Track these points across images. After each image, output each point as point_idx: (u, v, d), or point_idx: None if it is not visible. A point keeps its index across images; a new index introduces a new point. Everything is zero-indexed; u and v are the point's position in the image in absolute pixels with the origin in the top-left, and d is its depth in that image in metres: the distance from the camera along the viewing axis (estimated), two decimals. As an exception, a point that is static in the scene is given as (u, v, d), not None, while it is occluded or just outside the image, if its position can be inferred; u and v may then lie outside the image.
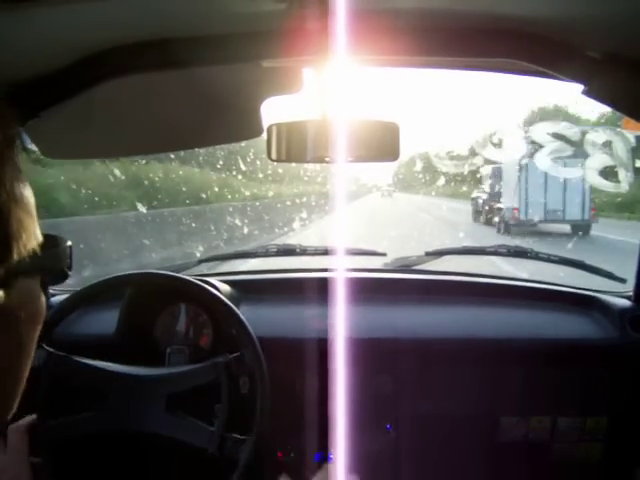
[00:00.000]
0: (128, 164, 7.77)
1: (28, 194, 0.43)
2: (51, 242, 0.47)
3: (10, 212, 0.40)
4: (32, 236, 0.42)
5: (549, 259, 1.55)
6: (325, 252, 1.55)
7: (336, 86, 0.89)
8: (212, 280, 1.30)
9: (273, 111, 1.10)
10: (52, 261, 0.49)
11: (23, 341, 0.45)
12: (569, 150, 9.46)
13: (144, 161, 8.02)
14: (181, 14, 0.79)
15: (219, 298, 1.14)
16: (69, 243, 0.51)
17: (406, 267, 1.62)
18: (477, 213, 14.21)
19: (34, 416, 0.97)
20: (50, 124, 0.96)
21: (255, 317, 1.14)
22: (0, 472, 0.87)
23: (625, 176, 7.46)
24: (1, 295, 0.40)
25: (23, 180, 0.43)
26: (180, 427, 1.06)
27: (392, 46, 0.83)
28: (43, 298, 0.47)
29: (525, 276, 1.61)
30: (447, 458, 1.32)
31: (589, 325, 1.34)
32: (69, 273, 0.52)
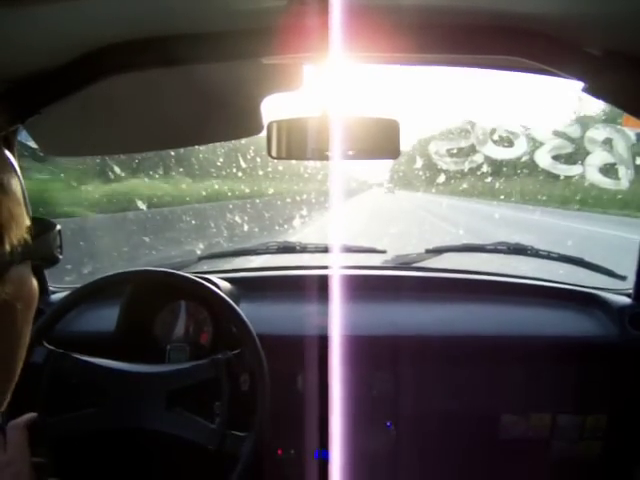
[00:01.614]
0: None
1: (16, 183, 0.43)
2: (41, 227, 0.47)
3: (0, 204, 0.40)
4: (23, 225, 0.42)
5: (549, 256, 1.55)
6: (325, 249, 1.55)
7: (336, 83, 0.89)
8: (212, 277, 1.30)
9: (273, 108, 1.10)
10: (43, 247, 0.49)
11: (18, 327, 0.45)
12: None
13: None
14: (181, 11, 0.78)
15: (219, 295, 1.14)
16: (59, 227, 0.51)
17: (406, 264, 1.62)
18: None
19: (34, 413, 0.97)
20: (50, 121, 0.96)
21: (255, 314, 1.14)
22: (1, 469, 0.87)
23: None
24: None
25: (10, 169, 0.43)
26: (180, 424, 1.06)
27: (392, 43, 0.83)
28: (35, 282, 0.47)
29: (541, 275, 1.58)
30: (447, 455, 1.32)
31: (589, 323, 1.34)
32: (60, 257, 0.52)
